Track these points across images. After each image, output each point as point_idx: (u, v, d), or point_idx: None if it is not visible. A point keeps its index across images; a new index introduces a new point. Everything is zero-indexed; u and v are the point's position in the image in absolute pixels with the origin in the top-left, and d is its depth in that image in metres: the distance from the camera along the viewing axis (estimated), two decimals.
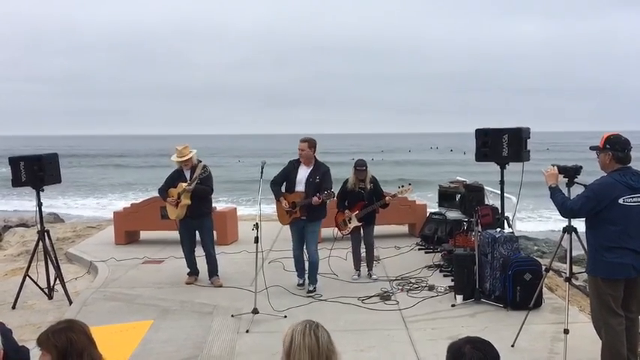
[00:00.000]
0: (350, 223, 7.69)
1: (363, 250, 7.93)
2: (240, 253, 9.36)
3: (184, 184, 7.35)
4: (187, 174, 7.51)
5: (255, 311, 6.09)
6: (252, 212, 18.14)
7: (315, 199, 6.87)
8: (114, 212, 10.85)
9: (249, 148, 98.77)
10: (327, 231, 8.58)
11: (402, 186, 7.85)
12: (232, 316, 6.31)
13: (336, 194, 7.33)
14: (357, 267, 7.94)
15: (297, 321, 2.71)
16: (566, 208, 4.53)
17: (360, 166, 7.63)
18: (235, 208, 11.17)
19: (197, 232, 7.72)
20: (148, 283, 7.83)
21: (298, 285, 7.47)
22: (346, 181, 7.76)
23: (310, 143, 7.14)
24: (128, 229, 10.49)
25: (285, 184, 7.26)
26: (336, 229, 7.96)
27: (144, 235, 10.84)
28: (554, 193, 4.61)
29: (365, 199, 7.64)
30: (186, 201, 7.36)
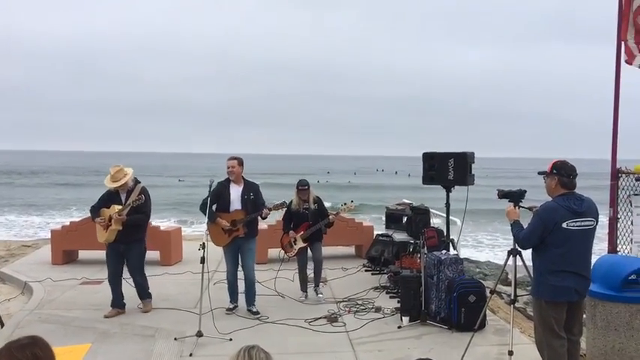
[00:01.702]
0: (296, 244, 7.66)
1: (309, 271, 7.88)
2: (184, 274, 9.15)
3: (117, 207, 6.91)
4: (123, 196, 7.05)
5: (199, 334, 5.93)
6: (193, 232, 17.80)
7: (265, 211, 6.99)
8: (51, 230, 10.44)
9: (193, 166, 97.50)
10: (274, 252, 8.49)
11: (345, 203, 7.90)
12: (175, 339, 6.12)
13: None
14: (304, 288, 7.88)
15: (243, 344, 2.63)
16: (519, 239, 4.67)
17: (303, 186, 7.65)
18: (180, 228, 10.95)
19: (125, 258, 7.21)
20: (86, 304, 7.52)
21: (227, 310, 7.19)
22: (290, 203, 7.73)
23: (239, 161, 7.19)
24: (66, 248, 10.10)
25: (216, 205, 7.07)
26: (282, 251, 7.90)
27: (82, 254, 10.44)
28: (512, 227, 4.74)
29: (310, 220, 7.63)
30: (116, 226, 6.88)
